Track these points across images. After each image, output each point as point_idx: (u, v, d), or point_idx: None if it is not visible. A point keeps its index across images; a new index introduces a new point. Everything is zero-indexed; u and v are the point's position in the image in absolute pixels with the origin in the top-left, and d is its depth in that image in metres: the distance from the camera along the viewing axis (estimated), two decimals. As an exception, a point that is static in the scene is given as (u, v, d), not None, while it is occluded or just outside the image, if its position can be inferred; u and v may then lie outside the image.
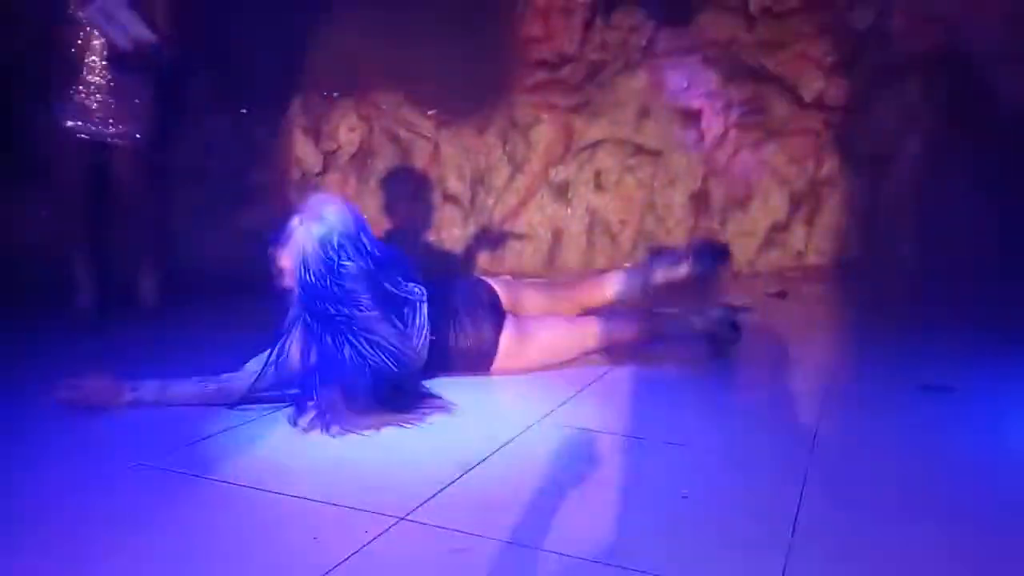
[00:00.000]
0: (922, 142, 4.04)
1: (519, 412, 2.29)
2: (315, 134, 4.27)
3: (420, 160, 4.45)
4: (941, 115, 4.00)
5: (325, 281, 2.20)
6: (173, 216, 4.12)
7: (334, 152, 4.30)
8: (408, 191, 4.45)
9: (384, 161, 4.34)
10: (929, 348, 2.91)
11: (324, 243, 2.21)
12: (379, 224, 4.33)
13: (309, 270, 2.20)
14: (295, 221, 2.25)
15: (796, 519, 1.65)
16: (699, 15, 4.29)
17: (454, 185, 4.45)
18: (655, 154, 4.38)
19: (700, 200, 4.36)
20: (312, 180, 4.30)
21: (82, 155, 3.25)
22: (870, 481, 1.86)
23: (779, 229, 4.33)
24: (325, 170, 4.30)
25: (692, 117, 4.36)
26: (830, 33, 4.20)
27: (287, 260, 2.25)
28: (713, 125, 4.33)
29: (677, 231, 4.36)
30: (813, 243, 4.31)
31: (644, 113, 4.37)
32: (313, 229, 2.22)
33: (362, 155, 4.33)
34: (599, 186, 4.41)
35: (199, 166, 4.14)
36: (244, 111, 4.18)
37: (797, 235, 4.31)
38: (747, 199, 4.34)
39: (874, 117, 4.17)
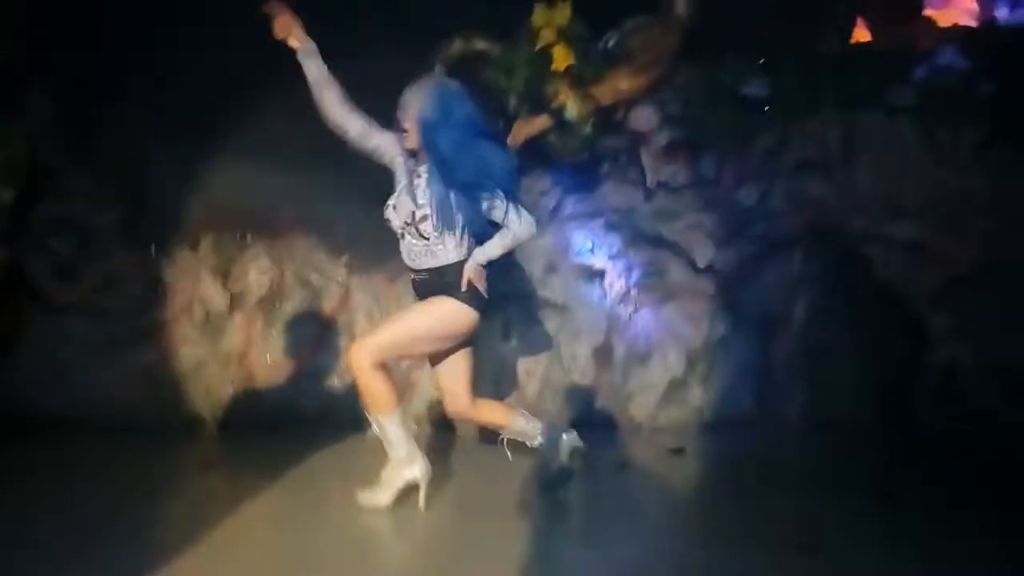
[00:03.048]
0: (806, 307, 4.41)
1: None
2: (223, 274, 4.22)
3: (329, 305, 4.45)
4: (821, 283, 4.40)
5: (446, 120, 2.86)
6: (65, 352, 3.93)
7: (241, 293, 4.24)
8: (314, 335, 4.41)
9: (293, 304, 4.32)
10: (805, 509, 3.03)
11: (442, 92, 2.93)
12: (282, 367, 4.24)
13: (432, 112, 2.86)
14: (411, 88, 2.91)
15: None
16: (602, 185, 4.63)
17: (363, 330, 4.44)
18: (561, 308, 4.55)
19: (604, 353, 4.53)
20: (215, 320, 4.21)
21: None
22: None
23: (677, 385, 4.52)
24: (231, 310, 4.22)
25: (596, 275, 4.60)
26: (719, 207, 4.61)
27: (409, 120, 2.88)
28: (616, 284, 4.58)
29: (582, 382, 4.48)
30: (709, 399, 4.52)
31: (551, 269, 4.57)
32: (428, 84, 2.95)
33: (271, 297, 4.29)
34: (506, 336, 4.51)
35: (98, 303, 4.00)
36: (152, 248, 4.11)
37: (695, 392, 4.51)
38: (647, 355, 4.54)
39: (762, 283, 4.53)
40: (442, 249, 2.94)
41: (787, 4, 4.47)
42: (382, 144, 2.96)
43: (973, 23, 4.60)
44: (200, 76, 3.98)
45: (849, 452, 3.97)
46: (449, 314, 2.95)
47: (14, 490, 3.03)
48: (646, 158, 4.54)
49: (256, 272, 4.24)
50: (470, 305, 2.97)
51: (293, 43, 2.87)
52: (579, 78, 4.13)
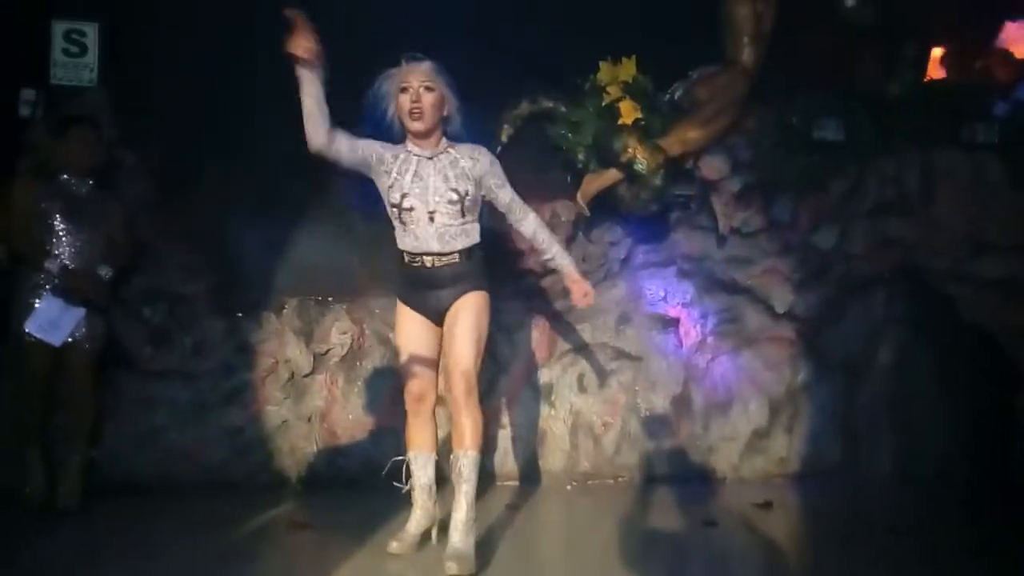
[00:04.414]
0: (891, 351, 4.27)
1: None
2: (307, 336, 4.35)
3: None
4: (906, 325, 4.26)
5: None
6: (157, 416, 4.10)
7: (324, 354, 4.35)
8: (394, 389, 4.48)
9: (372, 362, 4.41)
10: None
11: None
12: (364, 424, 4.32)
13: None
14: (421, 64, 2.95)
15: None
16: (673, 233, 4.62)
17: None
18: (636, 359, 4.52)
19: (682, 404, 4.47)
20: (299, 380, 4.33)
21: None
22: None
23: (760, 435, 4.42)
24: (314, 370, 4.33)
25: (670, 324, 4.56)
26: (795, 251, 4.53)
27: (435, 96, 2.93)
28: (691, 332, 4.53)
29: (661, 434, 4.42)
30: (794, 449, 4.40)
31: (624, 320, 4.56)
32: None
33: (351, 356, 4.39)
34: (582, 388, 4.50)
35: (189, 368, 4.16)
36: (240, 314, 4.26)
37: (779, 441, 4.40)
38: (727, 404, 4.46)
39: (843, 327, 4.42)
40: (473, 227, 2.98)
41: (857, 44, 4.42)
42: (366, 148, 2.92)
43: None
44: (275, 155, 4.15)
45: (940, 504, 3.80)
46: (486, 307, 3.00)
47: (111, 552, 3.13)
48: (718, 205, 4.51)
49: (338, 332, 4.35)
50: (488, 291, 3.02)
51: (301, 56, 2.70)
52: (647, 131, 4.16)
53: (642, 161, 4.10)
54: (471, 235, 2.97)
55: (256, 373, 4.23)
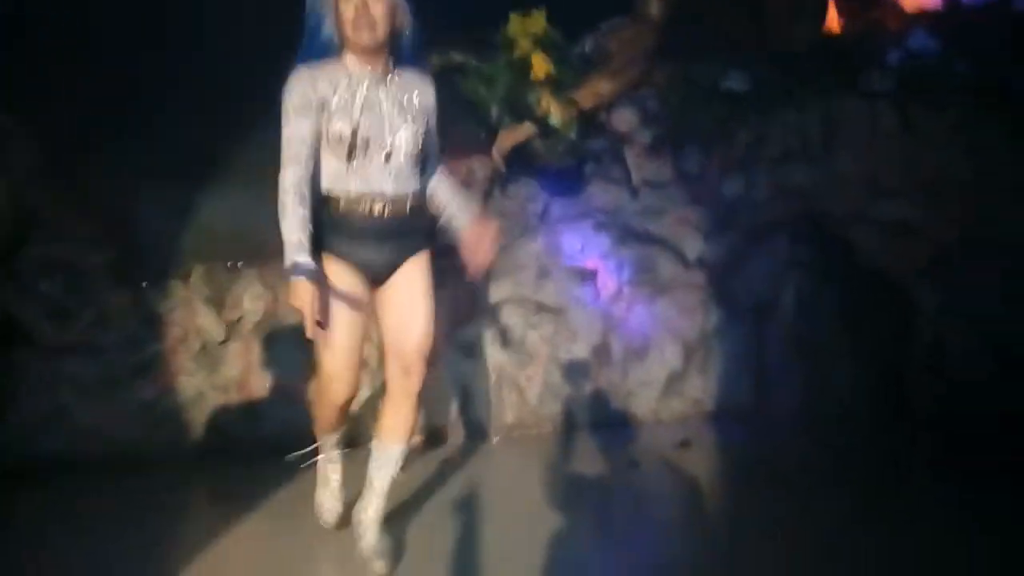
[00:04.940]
0: (796, 294, 4.47)
1: None
2: (217, 303, 4.20)
3: (325, 325, 4.44)
4: (810, 268, 4.46)
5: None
6: (61, 395, 3.90)
7: (237, 321, 4.22)
8: (311, 357, 4.40)
9: (288, 327, 4.30)
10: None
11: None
12: (283, 390, 4.23)
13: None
14: None
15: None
16: (587, 186, 4.67)
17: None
18: (556, 311, 4.58)
19: (601, 353, 4.56)
20: (212, 349, 4.19)
21: None
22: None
23: (676, 379, 4.57)
24: (228, 339, 4.20)
25: (588, 276, 4.63)
26: (704, 200, 4.66)
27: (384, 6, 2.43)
28: (608, 283, 4.61)
29: (582, 383, 4.51)
30: (708, 390, 4.57)
31: (543, 273, 4.60)
32: None
33: (265, 323, 4.28)
34: (504, 343, 4.53)
35: (94, 342, 3.97)
36: (144, 283, 4.08)
37: (693, 383, 4.56)
38: (644, 351, 4.58)
39: (750, 272, 4.59)
40: (418, 170, 2.55)
41: (759, -2, 4.53)
42: (302, 129, 2.39)
43: (938, 5, 4.69)
44: (178, 108, 3.96)
45: (846, 439, 4.04)
46: (429, 265, 2.62)
47: (19, 535, 3.00)
48: (630, 157, 4.58)
49: (250, 299, 4.22)
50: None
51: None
52: (559, 84, 4.16)
53: (555, 115, 4.12)
54: (418, 179, 2.54)
55: (166, 344, 4.07)
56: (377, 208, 2.46)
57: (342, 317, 2.45)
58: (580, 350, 4.54)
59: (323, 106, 2.39)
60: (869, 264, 4.38)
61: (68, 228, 3.97)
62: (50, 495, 3.51)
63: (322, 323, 2.34)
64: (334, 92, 2.40)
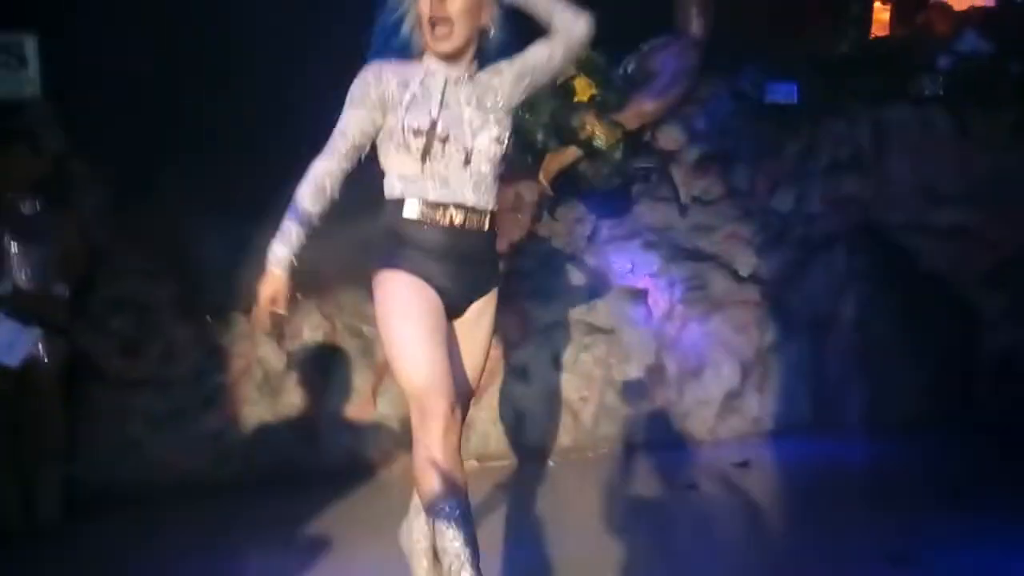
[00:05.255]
0: (854, 305, 4.39)
1: None
2: (278, 334, 4.32)
3: (382, 353, 4.51)
4: (868, 279, 4.38)
5: None
6: (132, 427, 4.05)
7: (297, 351, 4.33)
8: (371, 384, 4.48)
9: (347, 356, 4.39)
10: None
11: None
12: (344, 419, 4.31)
13: None
14: None
15: None
16: (635, 206, 4.67)
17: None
18: (608, 332, 4.58)
19: (656, 373, 4.54)
20: (274, 379, 4.30)
21: None
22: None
23: (734, 397, 4.52)
24: (288, 368, 4.31)
25: (639, 295, 4.62)
26: (755, 215, 4.62)
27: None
28: (660, 302, 4.60)
29: (637, 403, 4.49)
30: (767, 408, 4.50)
31: (594, 294, 4.61)
32: None
33: (325, 352, 4.38)
34: (557, 366, 4.54)
35: (162, 376, 4.12)
36: (208, 318, 4.22)
37: (751, 401, 4.50)
38: (700, 369, 4.54)
39: (806, 286, 4.53)
40: (497, 186, 2.19)
41: (801, 8, 4.50)
42: (354, 125, 2.16)
43: (989, 2, 4.58)
44: (236, 145, 4.11)
45: (912, 452, 3.93)
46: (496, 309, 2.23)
47: (96, 565, 3.10)
48: (677, 175, 4.57)
49: (309, 329, 4.33)
50: None
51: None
52: (603, 106, 4.19)
53: (600, 137, 4.14)
54: (495, 198, 2.18)
55: (230, 375, 4.19)
56: (458, 218, 2.10)
57: (422, 329, 2.05)
58: (634, 371, 4.53)
59: (388, 103, 2.13)
60: (929, 272, 4.28)
61: (134, 265, 4.14)
62: (124, 525, 3.62)
63: (279, 318, 2.23)
64: (406, 88, 2.12)
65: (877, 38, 4.63)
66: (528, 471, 4.22)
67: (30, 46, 4.08)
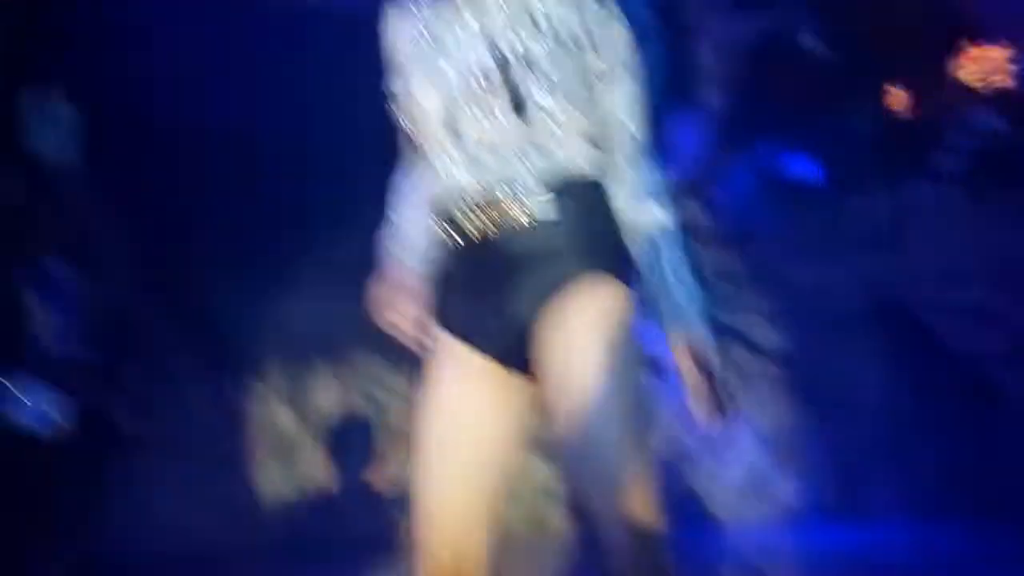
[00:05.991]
0: (878, 386, 4.32)
1: None
2: (293, 399, 4.31)
3: (396, 418, 4.48)
4: (890, 359, 4.31)
5: None
6: (146, 490, 4.01)
7: (312, 415, 4.31)
8: (384, 450, 4.44)
9: (361, 422, 4.37)
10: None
11: None
12: (357, 485, 4.26)
13: None
14: None
15: None
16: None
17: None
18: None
19: (677, 450, 4.45)
20: (288, 444, 4.28)
21: None
22: None
23: (757, 477, 4.41)
24: (302, 433, 4.28)
25: (659, 370, 4.57)
26: (775, 292, 4.60)
27: None
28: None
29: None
30: (791, 489, 4.39)
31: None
32: None
33: (339, 417, 4.35)
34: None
35: (178, 438, 4.10)
36: (224, 381, 4.23)
37: (776, 482, 4.40)
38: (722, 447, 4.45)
39: (828, 365, 4.47)
40: (566, 137, 1.29)
41: (815, 83, 4.56)
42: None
43: (1006, 79, 4.61)
44: (255, 214, 4.17)
45: (939, 537, 3.79)
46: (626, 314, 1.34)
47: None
48: (697, 250, 4.58)
49: (324, 393, 4.32)
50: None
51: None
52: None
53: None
54: (561, 148, 1.30)
55: (244, 439, 4.17)
56: (504, 214, 1.32)
57: (442, 448, 1.32)
58: (653, 448, 4.44)
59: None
60: (949, 352, 4.22)
61: (156, 329, 4.17)
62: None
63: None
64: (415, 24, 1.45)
65: (897, 116, 4.66)
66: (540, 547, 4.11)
67: (68, 109, 4.21)
